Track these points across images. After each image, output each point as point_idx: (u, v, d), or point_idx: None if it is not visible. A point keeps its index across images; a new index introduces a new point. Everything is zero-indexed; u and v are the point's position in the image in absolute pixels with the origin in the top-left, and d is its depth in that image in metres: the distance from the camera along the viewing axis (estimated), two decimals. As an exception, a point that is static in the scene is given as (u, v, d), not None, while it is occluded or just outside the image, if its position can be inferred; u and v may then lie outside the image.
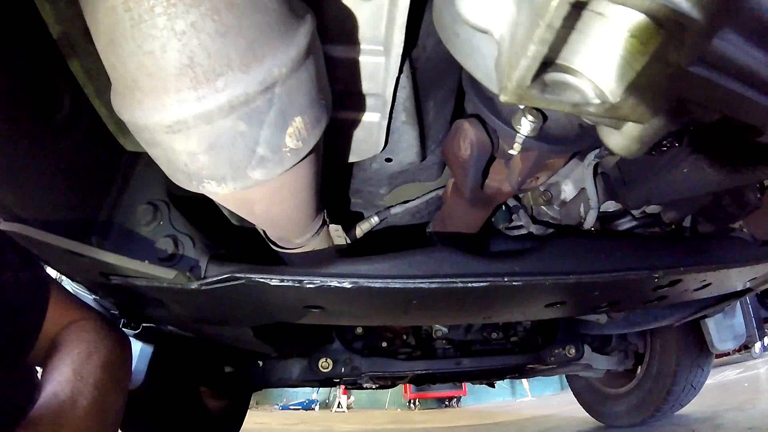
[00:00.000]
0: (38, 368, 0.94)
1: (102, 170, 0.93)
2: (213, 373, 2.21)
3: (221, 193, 0.67)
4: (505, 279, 0.90)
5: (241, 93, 0.56)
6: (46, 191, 0.82)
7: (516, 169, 0.84)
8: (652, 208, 1.36)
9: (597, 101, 0.49)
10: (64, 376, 0.80)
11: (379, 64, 0.85)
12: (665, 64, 0.45)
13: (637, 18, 0.44)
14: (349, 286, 0.81)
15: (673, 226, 1.49)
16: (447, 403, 10.54)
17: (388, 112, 0.95)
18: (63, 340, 0.85)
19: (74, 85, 0.81)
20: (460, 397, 10.42)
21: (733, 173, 1.03)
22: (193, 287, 0.80)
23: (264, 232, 0.99)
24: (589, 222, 1.19)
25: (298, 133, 0.63)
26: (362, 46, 0.84)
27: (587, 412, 3.36)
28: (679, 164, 1.02)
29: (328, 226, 1.01)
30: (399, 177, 1.30)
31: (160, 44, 0.52)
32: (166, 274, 0.73)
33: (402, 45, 0.82)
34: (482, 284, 0.89)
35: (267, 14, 0.56)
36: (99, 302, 1.29)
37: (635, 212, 1.33)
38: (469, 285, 0.88)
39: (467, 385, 9.72)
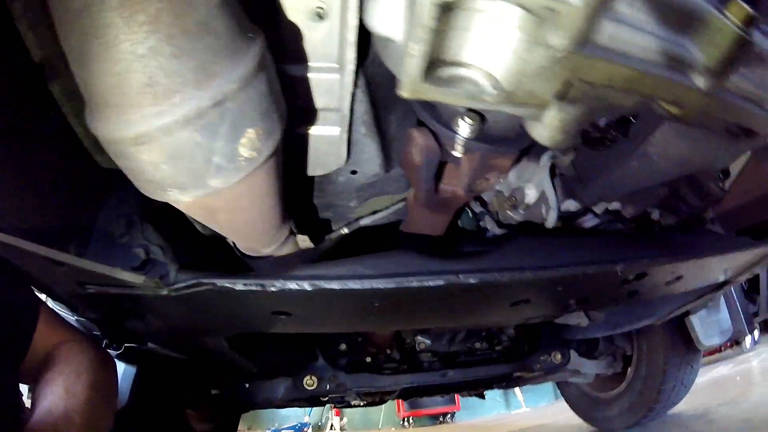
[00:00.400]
0: (25, 387, 0.99)
1: (81, 186, 0.99)
2: (199, 395, 2.22)
3: (184, 200, 0.73)
4: (460, 276, 0.94)
5: (195, 108, 0.63)
6: (29, 203, 0.88)
7: (464, 171, 0.89)
8: (614, 205, 1.41)
9: (492, 90, 0.55)
10: (57, 394, 0.84)
11: (335, 81, 0.92)
12: (547, 48, 0.51)
13: (513, 9, 0.51)
14: (309, 288, 0.85)
15: (638, 222, 1.53)
16: (441, 419, 10.45)
17: (347, 125, 1.01)
18: (53, 359, 0.89)
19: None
20: (454, 412, 10.31)
21: (681, 163, 1.08)
22: (163, 293, 0.85)
23: (234, 244, 1.05)
24: (551, 222, 1.25)
25: (252, 144, 0.69)
26: (317, 65, 0.90)
27: (581, 418, 3.37)
28: (628, 158, 1.07)
29: (295, 236, 1.07)
30: (367, 190, 1.36)
31: (124, 66, 0.59)
32: (135, 279, 0.79)
33: (355, 61, 0.89)
34: (438, 282, 0.93)
35: (217, 38, 0.63)
36: (81, 323, 1.33)
37: (598, 210, 1.38)
38: (426, 284, 0.92)
39: (461, 400, 9.66)
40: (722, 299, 2.56)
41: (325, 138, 1.02)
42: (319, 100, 0.95)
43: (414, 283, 0.91)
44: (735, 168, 1.41)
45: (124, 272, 0.82)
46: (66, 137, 0.89)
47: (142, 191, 0.77)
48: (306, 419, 10.38)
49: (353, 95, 0.96)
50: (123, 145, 0.66)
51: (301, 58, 0.89)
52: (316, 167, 1.09)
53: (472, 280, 0.95)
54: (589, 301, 1.47)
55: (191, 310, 0.98)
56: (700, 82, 0.65)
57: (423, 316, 1.23)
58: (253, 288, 0.84)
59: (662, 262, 1.37)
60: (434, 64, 0.52)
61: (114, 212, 0.99)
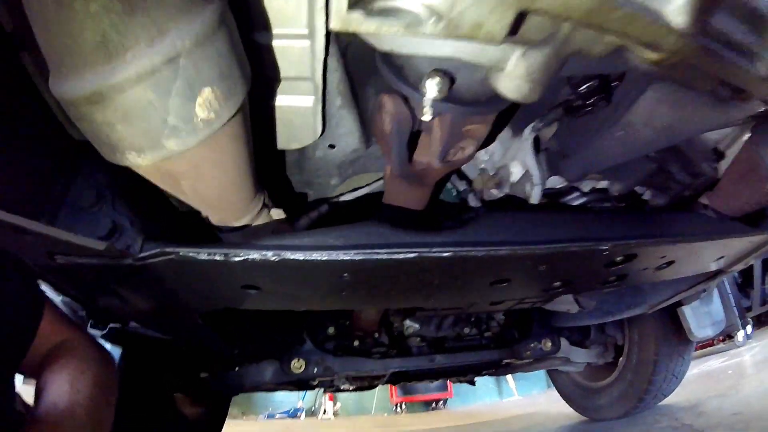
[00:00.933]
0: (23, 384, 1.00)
1: (54, 158, 0.99)
2: (187, 378, 2.22)
3: (142, 164, 0.72)
4: (433, 250, 0.92)
5: (148, 64, 0.62)
6: (1, 175, 0.88)
7: (436, 138, 0.86)
8: (601, 184, 1.38)
9: (430, 19, 0.53)
10: (62, 389, 0.86)
11: (305, 48, 0.90)
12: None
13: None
14: (273, 258, 0.83)
15: (627, 202, 1.50)
16: (434, 405, 10.57)
17: (320, 96, 0.99)
18: (58, 355, 0.91)
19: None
20: (447, 399, 10.47)
21: (667, 132, 1.05)
22: (128, 263, 0.84)
23: (207, 217, 1.03)
24: (534, 198, 1.22)
25: (209, 104, 0.67)
26: (286, 31, 0.88)
27: (571, 407, 3.37)
28: (611, 127, 1.05)
29: (269, 210, 1.05)
30: (349, 167, 1.34)
31: (77, 25, 0.59)
32: (97, 246, 0.78)
33: (325, 28, 0.87)
34: (408, 255, 0.90)
35: None
36: (67, 305, 1.33)
37: (585, 188, 1.36)
38: (394, 257, 0.90)
39: (453, 387, 9.82)
40: (715, 290, 2.52)
41: (299, 109, 1.00)
42: (290, 69, 0.93)
43: (382, 255, 0.89)
44: (730, 155, 1.39)
45: (88, 239, 0.81)
46: (41, 110, 0.88)
47: (104, 156, 0.77)
48: (299, 404, 10.51)
49: (326, 63, 0.93)
50: (79, 106, 0.66)
51: (268, 24, 0.86)
52: (290, 140, 1.07)
53: (445, 254, 0.93)
54: (574, 283, 1.44)
55: (161, 284, 0.97)
56: (676, 17, 0.61)
57: (397, 293, 1.19)
58: (217, 258, 0.82)
59: (651, 243, 1.33)
60: (366, -2, 0.50)
61: (86, 184, 0.99)
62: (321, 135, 1.09)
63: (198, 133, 0.69)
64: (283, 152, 1.19)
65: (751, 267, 5.92)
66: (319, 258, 0.85)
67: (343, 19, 0.52)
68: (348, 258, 0.86)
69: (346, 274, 0.93)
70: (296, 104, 0.99)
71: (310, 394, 10.38)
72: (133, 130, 0.67)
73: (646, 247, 1.34)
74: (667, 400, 2.90)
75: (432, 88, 0.71)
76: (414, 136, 0.91)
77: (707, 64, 0.71)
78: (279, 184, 1.30)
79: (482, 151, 1.40)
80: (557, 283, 1.37)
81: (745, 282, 5.72)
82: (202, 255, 0.81)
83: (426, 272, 1.03)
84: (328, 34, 0.90)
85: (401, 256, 0.89)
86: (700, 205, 1.50)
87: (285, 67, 0.93)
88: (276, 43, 0.89)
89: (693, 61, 0.69)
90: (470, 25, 0.53)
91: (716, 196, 1.46)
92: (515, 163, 1.34)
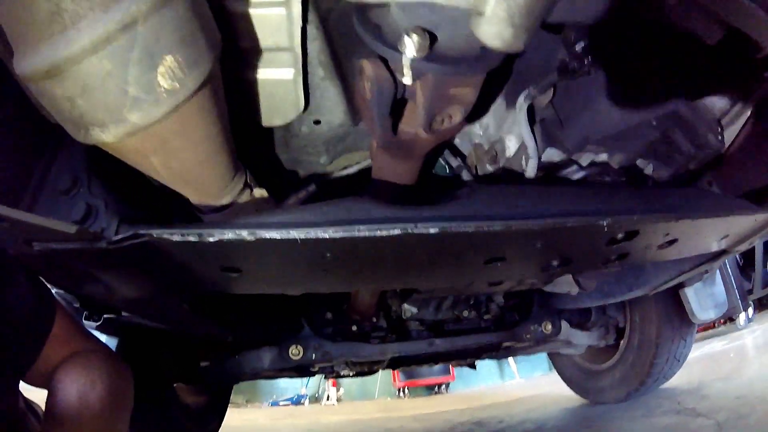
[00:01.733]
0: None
1: (33, 144, 0.97)
2: (187, 368, 2.21)
3: (108, 140, 0.68)
4: (419, 226, 0.87)
5: (102, 32, 0.59)
6: None
7: (420, 103, 0.81)
8: (601, 157, 1.33)
9: None
10: (69, 403, 0.85)
11: (281, 16, 0.86)
12: None
13: None
14: (249, 237, 0.80)
15: (629, 176, 1.45)
16: (437, 389, 10.74)
17: (301, 67, 0.95)
18: (69, 366, 0.90)
19: None
20: (449, 383, 10.64)
21: (658, 94, 1.02)
22: (102, 246, 0.81)
23: (189, 199, 0.99)
24: (530, 171, 1.18)
25: (172, 73, 0.63)
26: (260, -2, 0.84)
27: (572, 389, 3.37)
28: (611, 89, 1.01)
29: (251, 190, 1.01)
30: (338, 144, 1.30)
31: None
32: (68, 229, 0.74)
33: (301, -7, 0.83)
34: (392, 232, 0.85)
35: None
36: (61, 296, 1.32)
37: (584, 161, 1.31)
38: (378, 233, 0.85)
39: (455, 371, 9.96)
40: (717, 272, 2.48)
41: (279, 82, 0.96)
42: (267, 39, 0.89)
43: (363, 232, 0.84)
44: (734, 131, 1.37)
45: (60, 223, 0.78)
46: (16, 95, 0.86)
47: (72, 135, 0.74)
48: (303, 391, 10.65)
49: (304, 32, 0.89)
50: (39, 81, 0.64)
51: (243, -10, 0.82)
52: (272, 116, 1.03)
53: (432, 230, 0.88)
54: (574, 262, 1.38)
55: (141, 269, 0.94)
56: None
57: (386, 273, 1.14)
58: (191, 239, 0.79)
59: (654, 219, 1.28)
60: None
61: (64, 167, 0.97)
62: (305, 110, 1.05)
63: (162, 105, 0.65)
64: (268, 130, 1.15)
65: (753, 249, 5.90)
66: (296, 236, 0.81)
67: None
68: (327, 236, 0.82)
69: (328, 254, 0.89)
70: (276, 77, 0.96)
71: (313, 381, 10.51)
72: (93, 103, 0.64)
73: (648, 223, 1.29)
74: (669, 383, 2.88)
75: (411, 46, 0.66)
76: (399, 104, 0.87)
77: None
78: (266, 163, 1.26)
79: (476, 125, 1.35)
80: (555, 262, 1.32)
81: (746, 264, 5.69)
82: (176, 236, 0.78)
83: (414, 250, 0.99)
84: (305, 0, 0.86)
85: (384, 232, 0.85)
86: (704, 182, 1.47)
87: (262, 37, 0.89)
88: (252, 11, 0.86)
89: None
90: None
91: (721, 173, 1.43)
92: (510, 137, 1.29)
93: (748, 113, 1.30)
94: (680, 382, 2.95)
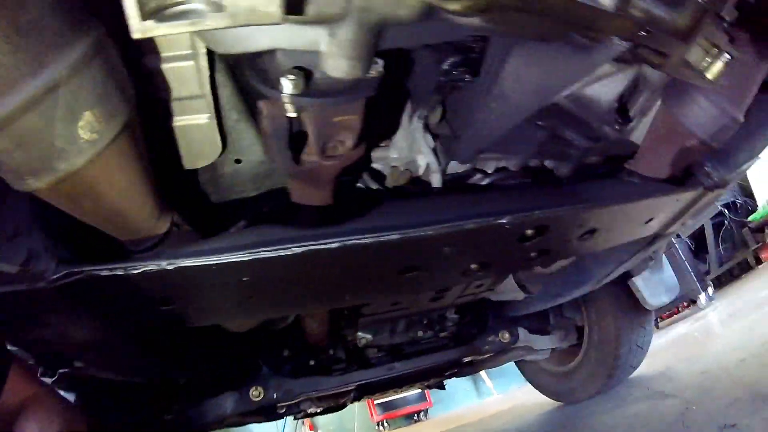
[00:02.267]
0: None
1: None
2: (149, 421, 2.23)
3: (41, 187, 0.81)
4: (320, 242, 0.99)
5: (32, 94, 0.73)
6: None
7: (311, 132, 0.95)
8: (503, 162, 1.47)
9: (210, 11, 0.64)
10: None
11: (191, 67, 1.02)
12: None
13: None
14: (168, 266, 0.92)
15: (538, 177, 1.55)
16: (416, 417, 10.75)
17: (214, 112, 1.10)
18: (26, 409, 1.00)
19: None
20: (427, 409, 10.69)
21: (538, 92, 1.10)
22: (42, 286, 0.92)
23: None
24: (436, 183, 1.33)
25: (91, 126, 0.78)
26: (170, 54, 1.00)
27: (545, 395, 3.50)
28: (485, 100, 1.11)
29: (179, 229, 1.14)
30: (264, 180, 1.44)
31: None
32: (9, 269, 0.85)
33: (205, 47, 0.99)
34: (296, 251, 0.98)
35: (50, 32, 0.74)
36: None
37: (488, 168, 1.45)
38: (283, 253, 0.98)
39: (431, 396, 10.09)
40: (665, 259, 2.65)
41: (196, 127, 1.11)
42: (181, 89, 1.04)
43: (269, 252, 0.96)
44: (647, 120, 1.45)
45: (4, 264, 0.89)
46: None
47: (11, 184, 0.84)
48: None
49: (213, 80, 1.05)
50: None
51: (153, 49, 0.98)
52: (194, 159, 1.18)
53: (334, 245, 1.00)
54: (494, 264, 1.49)
55: (85, 308, 1.04)
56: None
57: (308, 292, 1.25)
58: (118, 272, 0.91)
59: (554, 212, 1.36)
60: (160, 7, 0.62)
61: (6, 216, 1.06)
62: (224, 151, 1.20)
63: (84, 154, 0.79)
64: (195, 172, 1.29)
65: (704, 233, 6.28)
66: (210, 262, 0.93)
67: (142, 28, 0.63)
68: (237, 259, 0.95)
69: (244, 278, 1.01)
70: (193, 122, 1.10)
71: (288, 427, 10.42)
72: (28, 155, 0.77)
73: (554, 216, 1.36)
74: (639, 372, 3.04)
75: (287, 85, 0.81)
76: (298, 137, 0.99)
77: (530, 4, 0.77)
78: (199, 204, 1.39)
79: (391, 149, 1.52)
80: (474, 266, 1.42)
81: (699, 247, 6.05)
82: (104, 271, 0.90)
83: (326, 267, 1.10)
84: (211, 51, 1.02)
85: (289, 251, 0.98)
86: (625, 172, 1.57)
87: (176, 88, 1.05)
88: (164, 66, 1.01)
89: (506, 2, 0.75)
90: (246, 12, 0.64)
91: (639, 161, 1.53)
92: (420, 156, 1.45)
93: (659, 101, 1.38)
94: (649, 369, 3.12)
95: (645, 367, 3.13)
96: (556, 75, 1.08)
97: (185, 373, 1.72)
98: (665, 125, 1.36)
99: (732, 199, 6.88)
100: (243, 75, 1.12)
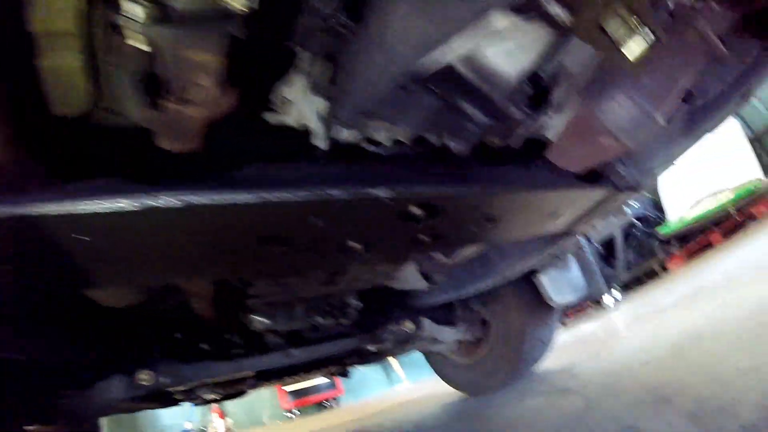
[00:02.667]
0: None
1: None
2: (39, 406, 2.11)
3: None
4: (160, 200, 0.93)
5: None
6: None
7: (165, 72, 0.88)
8: (394, 133, 1.36)
9: None
10: None
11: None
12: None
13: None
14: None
15: (435, 153, 1.44)
16: (327, 404, 10.88)
17: (87, 54, 1.07)
18: None
19: None
20: (338, 396, 11.00)
21: (426, 46, 1.02)
22: None
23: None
24: (322, 145, 1.24)
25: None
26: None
27: (452, 387, 3.58)
28: (369, 53, 1.04)
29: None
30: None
31: None
32: None
33: None
34: (131, 207, 0.92)
35: None
36: None
37: (380, 138, 1.35)
38: (117, 205, 0.91)
39: (343, 384, 10.47)
40: (573, 259, 2.79)
41: (66, 69, 1.04)
42: (52, 23, 0.96)
43: (103, 207, 0.91)
44: (568, 111, 1.42)
45: None
46: None
47: None
48: (187, 425, 10.37)
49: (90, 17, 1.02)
50: None
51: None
52: (63, 105, 1.13)
53: (176, 204, 0.93)
54: (376, 242, 1.41)
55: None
56: None
57: (150, 259, 1.15)
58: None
59: (445, 191, 1.31)
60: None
61: None
62: (99, 100, 1.17)
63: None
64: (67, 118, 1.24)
65: (613, 240, 6.73)
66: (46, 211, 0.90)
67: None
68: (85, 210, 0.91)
69: (85, 236, 0.96)
70: (63, 64, 1.03)
71: (197, 414, 10.61)
72: None
73: (443, 196, 1.31)
74: (545, 367, 3.19)
75: (138, 10, 0.79)
76: (155, 79, 0.93)
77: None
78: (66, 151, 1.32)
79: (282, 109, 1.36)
80: (353, 243, 1.36)
81: (608, 252, 6.44)
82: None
83: (168, 229, 1.04)
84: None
85: (128, 206, 0.93)
86: (540, 161, 1.54)
87: (47, 20, 0.95)
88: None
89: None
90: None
91: (556, 152, 1.50)
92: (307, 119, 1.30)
93: (580, 94, 1.35)
94: (554, 365, 3.27)
95: (550, 363, 3.30)
96: (443, 24, 1.00)
97: (64, 354, 1.64)
98: (581, 119, 1.36)
99: (644, 212, 7.44)
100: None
